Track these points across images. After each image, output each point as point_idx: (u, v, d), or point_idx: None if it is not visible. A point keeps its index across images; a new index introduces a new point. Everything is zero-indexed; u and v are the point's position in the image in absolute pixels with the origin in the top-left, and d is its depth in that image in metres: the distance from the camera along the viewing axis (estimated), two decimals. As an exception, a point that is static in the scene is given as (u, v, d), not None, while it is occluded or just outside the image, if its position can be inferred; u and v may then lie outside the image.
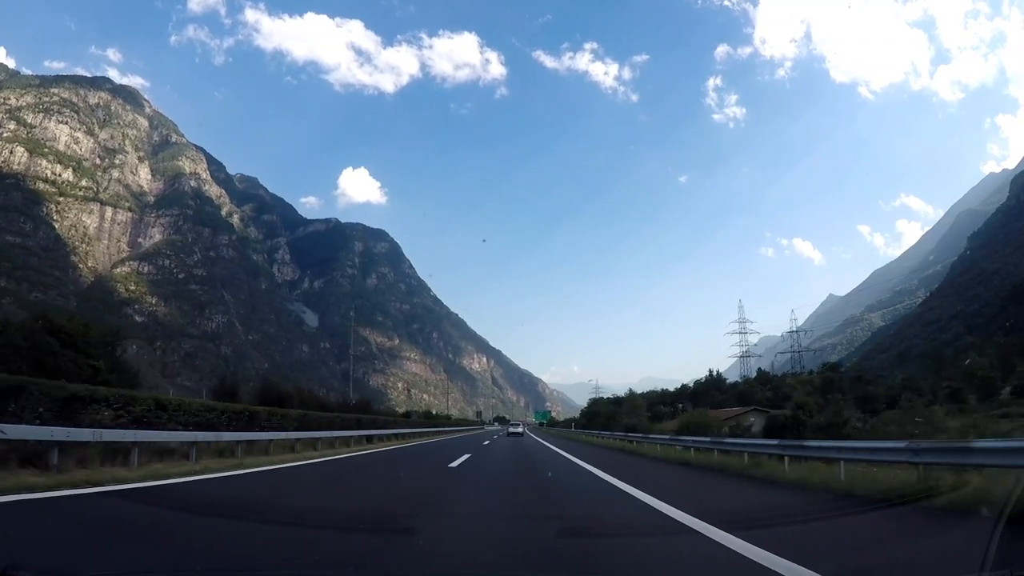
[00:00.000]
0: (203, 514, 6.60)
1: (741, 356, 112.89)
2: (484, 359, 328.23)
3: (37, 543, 4.32)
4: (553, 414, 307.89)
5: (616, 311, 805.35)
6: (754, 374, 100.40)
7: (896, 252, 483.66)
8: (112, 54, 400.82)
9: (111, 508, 6.72)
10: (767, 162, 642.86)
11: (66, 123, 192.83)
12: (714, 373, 71.22)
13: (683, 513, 6.39)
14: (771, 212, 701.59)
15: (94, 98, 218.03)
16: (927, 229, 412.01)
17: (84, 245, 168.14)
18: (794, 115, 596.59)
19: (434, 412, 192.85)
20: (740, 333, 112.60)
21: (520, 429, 55.17)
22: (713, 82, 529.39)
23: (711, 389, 56.75)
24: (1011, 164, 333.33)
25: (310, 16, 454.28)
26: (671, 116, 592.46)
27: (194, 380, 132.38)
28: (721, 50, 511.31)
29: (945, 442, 8.46)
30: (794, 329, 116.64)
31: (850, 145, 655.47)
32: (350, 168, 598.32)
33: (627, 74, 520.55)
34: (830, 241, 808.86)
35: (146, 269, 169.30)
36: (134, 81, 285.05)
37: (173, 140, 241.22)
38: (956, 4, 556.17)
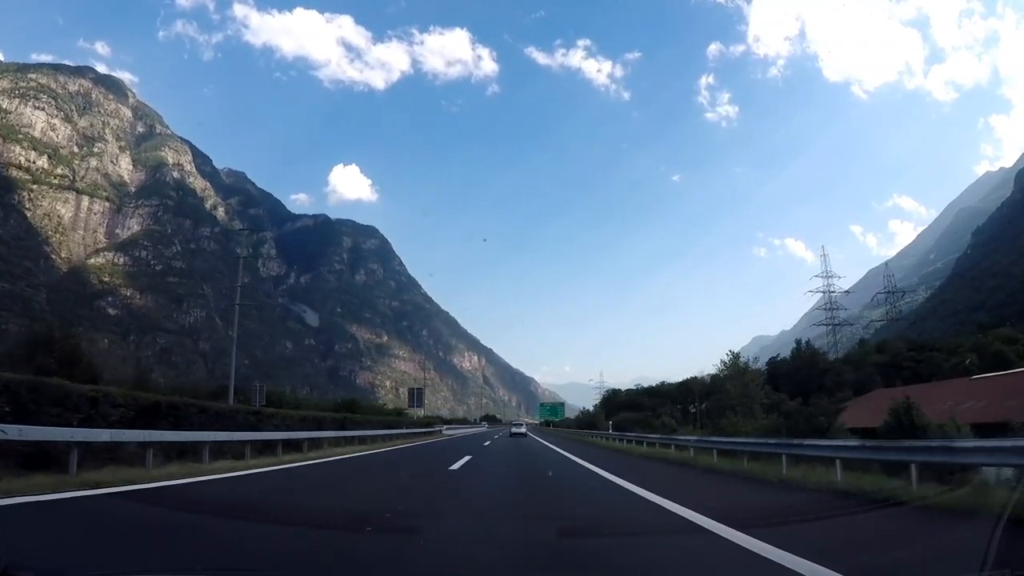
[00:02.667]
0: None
1: (829, 324, 76.02)
2: (475, 357, 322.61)
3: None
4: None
5: (608, 312, 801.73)
6: (829, 343, 76.07)
7: (889, 252, 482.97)
8: (100, 47, 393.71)
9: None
10: (759, 161, 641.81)
11: (43, 109, 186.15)
12: (803, 344, 47.63)
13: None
14: (763, 212, 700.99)
15: (74, 85, 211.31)
16: (921, 228, 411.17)
17: (58, 235, 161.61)
18: (787, 114, 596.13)
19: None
20: (826, 292, 72.32)
21: (523, 429, 53.25)
22: (705, 80, 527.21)
23: (804, 367, 39.55)
24: (1008, 163, 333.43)
25: (299, 11, 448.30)
26: (664, 114, 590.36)
27: (169, 377, 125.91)
28: (713, 48, 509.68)
29: None
30: (890, 288, 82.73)
31: (843, 145, 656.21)
32: (341, 165, 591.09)
33: (619, 72, 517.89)
34: (822, 241, 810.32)
35: (121, 260, 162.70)
36: (122, 76, 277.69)
37: (157, 131, 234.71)
38: (950, 3, 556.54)
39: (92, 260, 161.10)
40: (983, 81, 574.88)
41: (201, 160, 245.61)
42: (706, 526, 5.68)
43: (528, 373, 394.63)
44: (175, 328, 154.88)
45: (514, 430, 51.53)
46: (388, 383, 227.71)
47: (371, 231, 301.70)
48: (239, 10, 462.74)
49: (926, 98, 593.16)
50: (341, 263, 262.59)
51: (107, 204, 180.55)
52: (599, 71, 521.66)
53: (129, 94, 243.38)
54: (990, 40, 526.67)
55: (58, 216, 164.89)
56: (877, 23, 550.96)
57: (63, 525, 5.46)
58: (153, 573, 3.50)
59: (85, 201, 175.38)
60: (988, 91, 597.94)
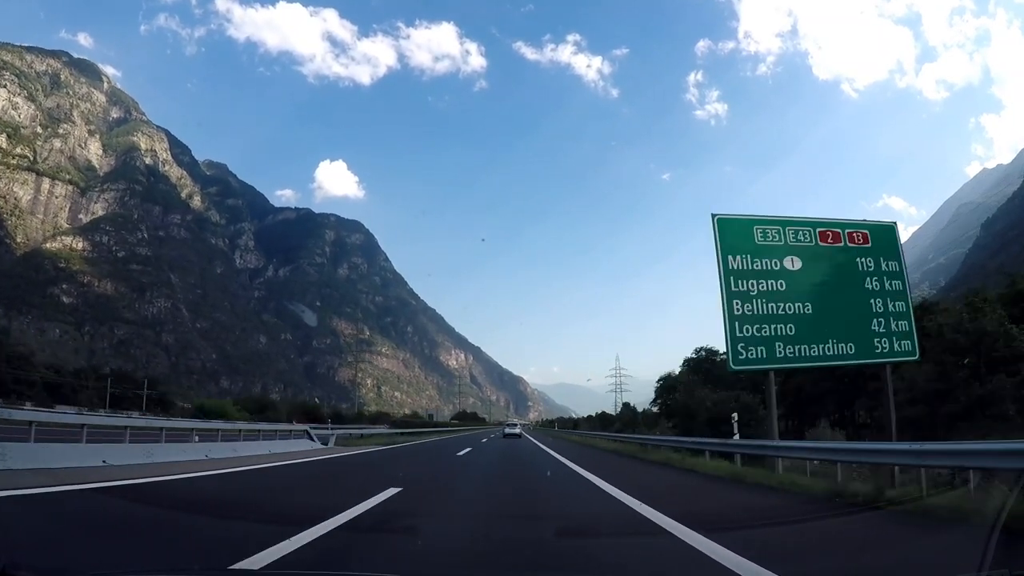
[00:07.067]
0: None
1: None
2: (462, 355, 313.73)
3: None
4: (533, 416, 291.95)
5: (598, 312, 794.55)
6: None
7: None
8: (83, 39, 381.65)
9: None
10: (748, 160, 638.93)
11: (4, 87, 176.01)
12: None
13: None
14: (752, 211, 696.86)
15: (42, 65, 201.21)
16: (913, 227, 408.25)
17: (14, 218, 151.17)
18: (776, 112, 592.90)
19: (409, 412, 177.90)
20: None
21: (517, 431, 48.64)
22: (694, 77, 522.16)
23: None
24: (1004, 160, 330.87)
25: (282, 5, 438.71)
26: (653, 112, 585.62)
27: (126, 370, 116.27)
28: (702, 44, 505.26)
29: None
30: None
31: (832, 144, 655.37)
32: (327, 161, 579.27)
33: (608, 68, 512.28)
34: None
35: (80, 245, 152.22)
36: (104, 69, 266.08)
37: (133, 117, 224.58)
38: (942, 1, 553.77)
39: (48, 245, 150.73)
40: (974, 80, 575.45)
41: (180, 150, 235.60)
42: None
43: (516, 372, 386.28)
44: (136, 319, 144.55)
45: (507, 431, 47.55)
46: (370, 381, 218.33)
47: (356, 226, 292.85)
48: (221, 4, 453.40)
49: (917, 97, 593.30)
50: (323, 256, 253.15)
51: (70, 187, 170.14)
52: (588, 67, 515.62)
53: (104, 79, 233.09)
54: (981, 39, 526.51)
55: (15, 198, 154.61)
56: (868, 20, 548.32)
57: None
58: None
59: (46, 183, 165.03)
60: (979, 90, 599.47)
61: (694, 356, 43.12)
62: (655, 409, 48.02)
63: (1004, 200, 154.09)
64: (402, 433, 38.47)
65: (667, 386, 43.29)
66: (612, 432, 38.99)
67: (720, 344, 40.65)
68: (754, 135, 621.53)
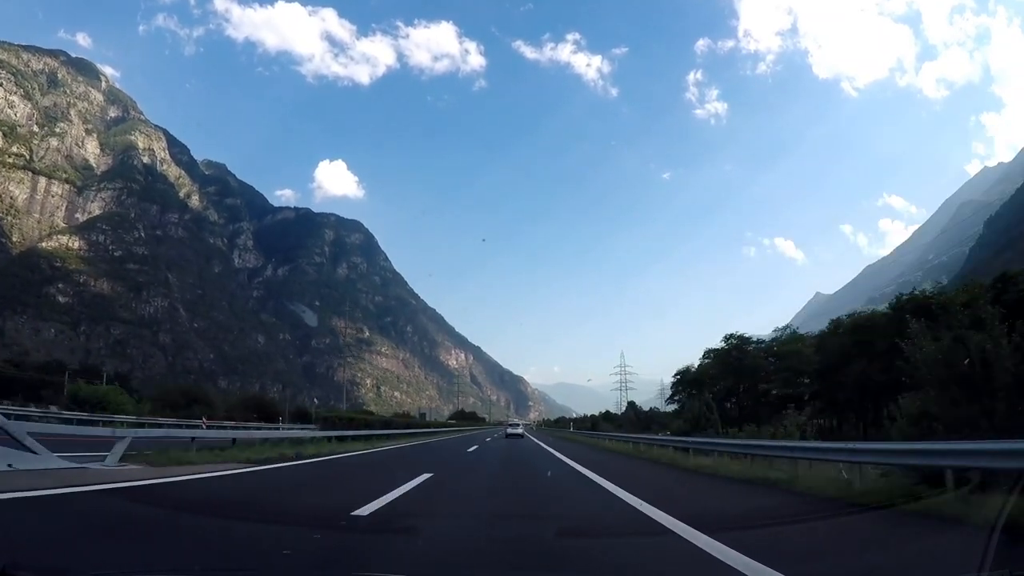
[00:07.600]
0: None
1: None
2: (463, 355, 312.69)
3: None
4: (533, 415, 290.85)
5: (597, 312, 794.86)
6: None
7: (880, 250, 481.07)
8: (82, 39, 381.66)
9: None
10: (749, 159, 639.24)
11: (0, 85, 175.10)
12: None
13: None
14: (753, 210, 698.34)
15: (39, 64, 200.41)
16: (914, 226, 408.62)
17: (10, 217, 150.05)
18: (776, 111, 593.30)
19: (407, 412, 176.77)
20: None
21: (519, 430, 46.98)
22: (694, 76, 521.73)
23: None
24: (1005, 159, 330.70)
25: (281, 4, 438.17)
26: (653, 111, 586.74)
27: (122, 371, 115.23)
28: (702, 43, 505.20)
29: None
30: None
31: (832, 143, 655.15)
32: (326, 161, 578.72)
33: (607, 67, 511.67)
34: (813, 240, 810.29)
35: (76, 244, 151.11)
36: (103, 69, 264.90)
37: (131, 116, 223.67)
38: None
39: (44, 244, 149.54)
40: (975, 78, 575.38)
41: (178, 149, 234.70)
42: None
43: (517, 372, 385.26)
44: (132, 318, 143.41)
45: (509, 431, 46.06)
46: (369, 381, 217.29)
47: (355, 225, 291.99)
48: (220, 4, 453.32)
49: (917, 95, 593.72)
50: (322, 256, 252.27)
51: (67, 187, 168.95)
52: (588, 66, 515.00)
53: (102, 78, 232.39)
54: (982, 37, 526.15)
55: (11, 197, 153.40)
56: (868, 18, 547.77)
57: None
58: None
59: (43, 182, 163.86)
60: (980, 88, 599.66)
61: (723, 345, 36.46)
62: (666, 408, 45.34)
63: (1006, 198, 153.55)
64: (338, 438, 20.87)
65: (687, 380, 38.80)
66: (675, 436, 21.55)
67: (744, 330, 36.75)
68: (754, 134, 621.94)
